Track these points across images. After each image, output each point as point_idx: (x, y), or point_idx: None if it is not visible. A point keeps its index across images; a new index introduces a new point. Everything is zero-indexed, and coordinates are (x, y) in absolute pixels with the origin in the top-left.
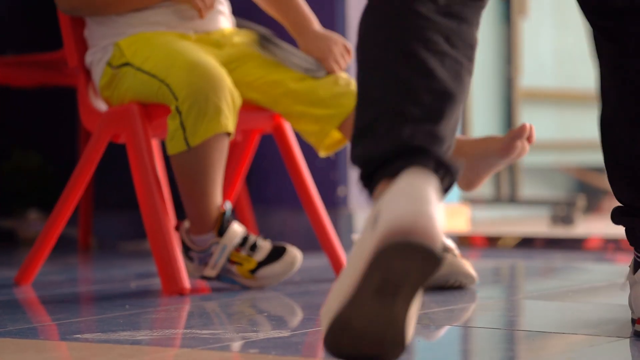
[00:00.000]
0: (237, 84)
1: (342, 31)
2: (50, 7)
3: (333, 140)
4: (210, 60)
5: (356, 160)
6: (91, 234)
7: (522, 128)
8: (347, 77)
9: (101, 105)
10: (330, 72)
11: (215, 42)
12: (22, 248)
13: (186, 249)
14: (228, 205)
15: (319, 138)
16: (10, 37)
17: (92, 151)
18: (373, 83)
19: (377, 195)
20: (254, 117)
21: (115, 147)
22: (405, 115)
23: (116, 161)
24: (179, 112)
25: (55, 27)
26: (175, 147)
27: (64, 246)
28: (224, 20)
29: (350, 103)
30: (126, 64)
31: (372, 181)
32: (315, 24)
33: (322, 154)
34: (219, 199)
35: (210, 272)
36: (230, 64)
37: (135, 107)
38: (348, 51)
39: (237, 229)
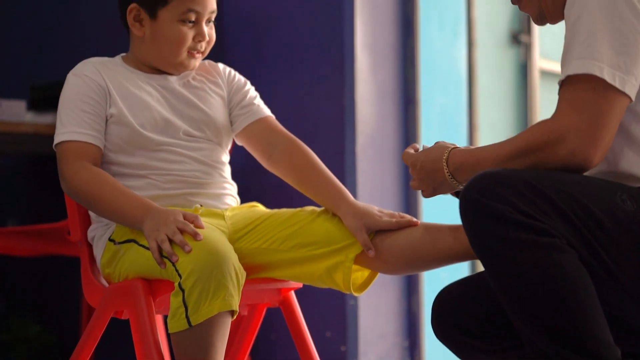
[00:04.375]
0: (244, 252)
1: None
2: (52, 178)
3: (364, 277)
4: (215, 235)
5: None
6: None
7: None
8: None
9: (104, 281)
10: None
11: (220, 214)
12: None
13: None
14: None
15: (346, 269)
16: (11, 208)
17: (94, 328)
18: None
19: None
20: (260, 291)
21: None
22: None
23: (116, 333)
24: (181, 289)
25: (59, 197)
26: (177, 325)
27: None
28: (231, 199)
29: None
30: (130, 240)
31: None
32: (350, 197)
33: (356, 292)
34: None
35: None
36: (235, 234)
37: (139, 283)
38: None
39: None
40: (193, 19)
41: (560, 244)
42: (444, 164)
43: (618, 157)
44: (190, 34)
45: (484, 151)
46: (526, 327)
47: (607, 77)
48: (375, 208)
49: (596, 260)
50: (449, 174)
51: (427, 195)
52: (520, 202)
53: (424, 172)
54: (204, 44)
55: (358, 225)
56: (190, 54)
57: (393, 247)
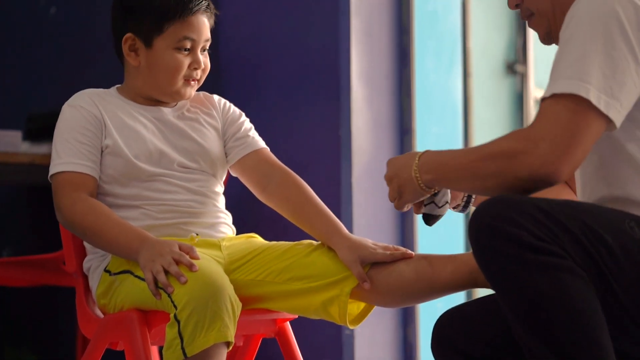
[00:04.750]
0: (240, 283)
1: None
2: (48, 209)
3: (360, 309)
4: (211, 266)
5: None
6: None
7: None
8: None
9: (99, 312)
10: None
11: (217, 244)
12: None
13: None
14: None
15: (342, 302)
16: (6, 238)
17: (90, 359)
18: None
19: None
20: (256, 321)
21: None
22: None
23: None
24: (177, 320)
25: (54, 228)
26: (172, 356)
27: None
28: (227, 228)
29: None
30: (126, 271)
31: None
32: (345, 230)
33: (352, 325)
34: None
35: None
36: (231, 264)
37: (134, 315)
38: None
39: None
40: (188, 46)
41: (572, 266)
42: (416, 158)
43: (622, 183)
44: (185, 61)
45: (458, 152)
46: (534, 348)
47: (593, 99)
48: (369, 241)
49: (605, 286)
50: (416, 168)
51: (397, 203)
52: (533, 226)
53: (394, 168)
54: (199, 72)
55: (353, 258)
56: (186, 82)
57: (389, 280)
